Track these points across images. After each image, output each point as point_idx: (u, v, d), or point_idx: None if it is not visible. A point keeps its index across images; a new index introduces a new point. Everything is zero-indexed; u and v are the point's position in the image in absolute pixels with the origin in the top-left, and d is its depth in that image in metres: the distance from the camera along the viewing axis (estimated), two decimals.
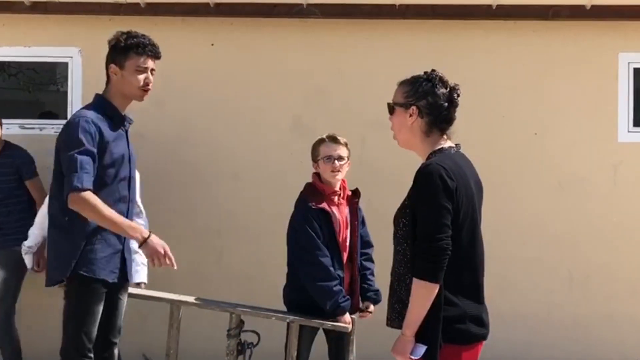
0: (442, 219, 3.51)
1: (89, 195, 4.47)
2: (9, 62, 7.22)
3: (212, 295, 5.72)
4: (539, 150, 7.01)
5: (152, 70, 4.83)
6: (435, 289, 3.50)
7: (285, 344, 5.11)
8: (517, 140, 7.02)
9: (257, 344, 5.16)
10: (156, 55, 4.83)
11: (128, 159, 4.84)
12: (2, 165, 6.44)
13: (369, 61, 6.97)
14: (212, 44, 7.02)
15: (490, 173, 6.67)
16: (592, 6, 6.75)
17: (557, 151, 7.02)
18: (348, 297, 5.07)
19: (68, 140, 4.60)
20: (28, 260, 6.14)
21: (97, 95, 4.85)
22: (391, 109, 3.81)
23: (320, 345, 5.32)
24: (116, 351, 4.97)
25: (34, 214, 6.22)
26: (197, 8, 6.86)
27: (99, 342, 4.74)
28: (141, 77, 4.76)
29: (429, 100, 3.72)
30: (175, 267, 4.67)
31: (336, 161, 5.17)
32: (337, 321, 5.04)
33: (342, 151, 5.21)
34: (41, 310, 6.72)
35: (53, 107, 7.41)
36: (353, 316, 5.11)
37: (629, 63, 6.99)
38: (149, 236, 4.54)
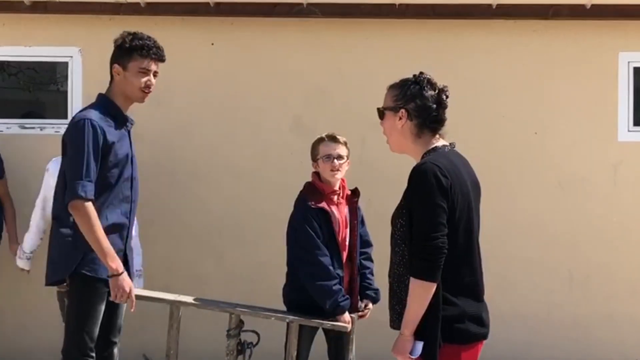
0: (438, 217, 3.52)
1: (90, 208, 4.52)
2: (9, 62, 7.21)
3: (212, 296, 5.72)
4: (539, 150, 7.01)
5: (155, 72, 4.85)
6: (432, 287, 3.51)
7: (285, 343, 5.11)
8: (517, 140, 7.02)
9: (256, 343, 5.16)
10: (160, 59, 4.86)
11: (131, 159, 4.87)
12: None
13: (369, 61, 6.97)
14: (212, 44, 7.02)
15: (490, 172, 6.70)
16: (593, 5, 6.75)
17: (557, 150, 7.02)
18: (347, 296, 5.07)
19: (73, 144, 4.63)
20: (24, 264, 6.11)
21: (100, 94, 4.86)
22: (381, 113, 3.86)
23: (320, 345, 5.32)
24: (116, 351, 4.98)
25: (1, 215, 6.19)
26: (197, 7, 6.86)
27: (99, 341, 4.76)
28: (143, 79, 4.79)
29: (417, 103, 3.74)
30: (133, 310, 4.70)
31: (335, 160, 5.17)
32: (336, 320, 5.04)
33: (342, 150, 5.22)
34: (36, 309, 6.72)
35: (53, 106, 7.39)
36: (352, 315, 5.11)
37: (629, 62, 6.99)
38: (122, 273, 4.57)
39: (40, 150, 6.67)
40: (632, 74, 7.00)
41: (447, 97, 3.79)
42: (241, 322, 5.13)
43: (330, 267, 5.03)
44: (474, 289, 3.68)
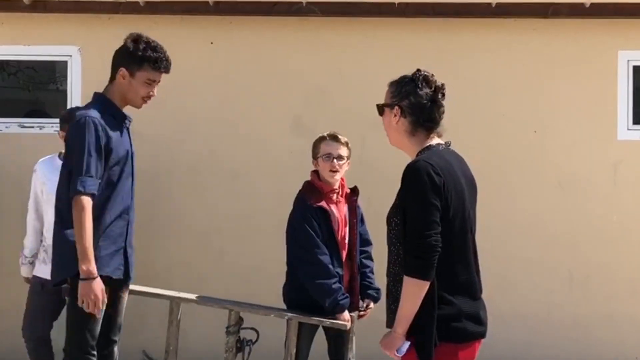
0: (431, 215, 3.51)
1: (86, 202, 4.50)
2: (8, 61, 7.21)
3: (212, 294, 5.71)
4: (539, 149, 7.01)
5: (158, 82, 4.87)
6: (425, 286, 3.50)
7: (285, 341, 5.11)
8: (516, 139, 7.01)
9: (255, 341, 5.17)
10: (167, 71, 4.89)
11: (131, 156, 4.88)
12: None
13: (369, 60, 6.96)
14: (212, 43, 7.02)
15: (490, 172, 6.70)
16: (592, 4, 6.74)
17: (556, 150, 7.01)
18: (347, 294, 5.06)
19: (74, 141, 4.63)
20: (26, 271, 6.10)
21: (97, 93, 4.86)
22: (380, 109, 3.86)
23: (320, 344, 5.31)
24: (116, 349, 4.97)
25: None
26: (197, 6, 6.85)
27: (99, 340, 4.76)
28: (148, 89, 4.81)
29: (411, 100, 3.73)
30: (99, 317, 4.61)
31: (335, 160, 5.16)
32: (336, 319, 5.04)
33: (342, 150, 5.21)
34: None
35: (52, 105, 7.39)
36: (352, 314, 5.11)
37: (628, 61, 6.99)
38: (94, 278, 4.48)
39: (39, 149, 6.66)
40: (631, 73, 7.00)
41: (443, 95, 3.77)
42: (240, 319, 5.13)
43: (330, 266, 5.03)
44: (470, 287, 3.67)
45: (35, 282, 5.81)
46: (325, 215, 5.12)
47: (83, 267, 4.45)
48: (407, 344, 3.55)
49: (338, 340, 5.26)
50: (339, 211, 5.21)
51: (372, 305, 5.28)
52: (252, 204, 6.96)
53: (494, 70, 7.01)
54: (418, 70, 3.80)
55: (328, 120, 6.66)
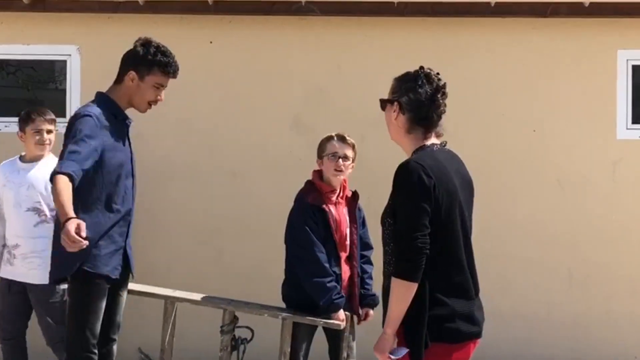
0: (419, 218, 3.49)
1: (61, 179, 4.36)
2: (8, 60, 7.21)
3: (210, 293, 5.70)
4: (538, 148, 7.01)
5: (165, 87, 4.91)
6: (413, 287, 3.48)
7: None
8: (515, 138, 7.01)
9: (250, 339, 5.17)
10: (175, 76, 4.93)
11: (130, 156, 4.89)
12: None
13: (368, 59, 6.96)
14: (211, 42, 7.01)
15: (489, 171, 6.71)
16: (591, 3, 6.74)
17: (556, 149, 7.01)
18: (342, 294, 5.07)
19: (68, 131, 4.66)
20: None
21: (100, 93, 4.86)
22: (382, 104, 3.84)
23: (320, 344, 5.31)
24: (115, 347, 4.98)
25: None
26: (196, 6, 6.85)
27: (98, 338, 4.75)
28: (156, 93, 4.85)
29: (410, 97, 3.70)
30: (84, 245, 4.32)
31: (340, 160, 5.18)
32: (331, 318, 5.04)
33: (349, 151, 5.23)
34: None
35: (51, 104, 7.39)
36: (347, 313, 5.11)
37: (627, 60, 6.99)
38: (69, 219, 4.26)
39: None
40: (630, 72, 7.00)
41: (443, 94, 3.73)
42: (235, 318, 5.13)
43: (326, 264, 5.04)
44: (464, 288, 3.64)
45: (3, 284, 5.79)
46: (323, 214, 5.13)
47: (62, 216, 4.27)
48: (404, 350, 3.54)
49: (337, 340, 5.26)
50: (338, 212, 5.22)
51: (371, 313, 5.28)
52: (251, 203, 6.95)
53: (493, 69, 7.01)
54: (421, 67, 3.76)
55: (327, 119, 6.66)
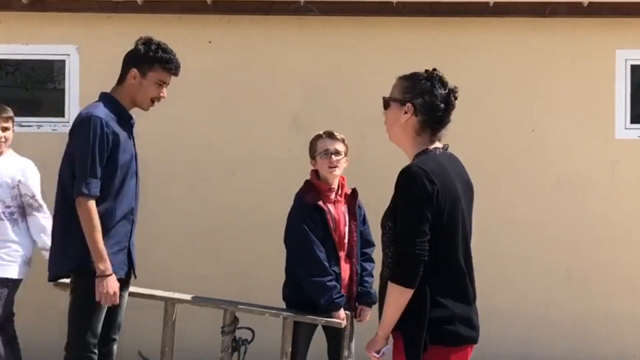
0: (419, 224, 3.45)
1: (91, 205, 4.58)
2: (7, 60, 7.21)
3: (210, 294, 5.71)
4: (537, 148, 7.01)
5: (167, 84, 4.93)
6: (408, 293, 3.45)
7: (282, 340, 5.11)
8: (514, 138, 7.02)
9: (251, 340, 5.16)
10: (176, 74, 4.95)
11: (135, 156, 4.91)
12: None
13: (367, 59, 6.96)
14: (210, 42, 7.01)
15: (488, 170, 6.71)
16: (590, 3, 6.75)
17: (554, 148, 7.02)
18: (342, 293, 5.06)
19: (79, 140, 4.66)
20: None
21: (104, 93, 4.87)
22: (386, 103, 3.74)
23: (320, 343, 5.31)
24: (115, 348, 4.98)
25: None
26: (195, 6, 6.86)
27: (99, 338, 4.76)
28: (158, 90, 4.87)
29: (426, 100, 3.63)
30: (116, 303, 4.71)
31: (333, 156, 5.17)
32: (331, 317, 5.04)
33: (339, 146, 5.22)
34: (40, 308, 6.71)
35: (50, 104, 7.39)
36: (347, 312, 5.10)
37: (626, 60, 6.99)
38: (109, 275, 4.60)
39: (37, 148, 6.65)
40: (629, 72, 7.00)
41: (455, 98, 3.70)
42: (236, 319, 5.13)
43: (326, 263, 5.03)
44: (464, 292, 3.61)
45: None
46: (322, 213, 5.13)
47: (100, 267, 4.56)
48: (387, 347, 3.57)
49: (337, 339, 5.25)
50: (337, 210, 5.21)
51: (367, 311, 5.27)
52: (250, 203, 6.95)
53: (492, 69, 7.01)
54: (434, 69, 3.71)
55: (326, 118, 6.65)
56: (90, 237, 4.56)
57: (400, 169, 3.61)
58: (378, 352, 3.57)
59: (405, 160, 3.74)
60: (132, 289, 5.12)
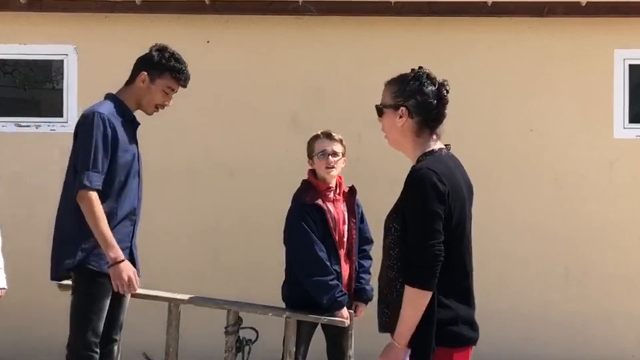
0: (434, 225, 3.42)
1: (94, 197, 4.58)
2: (5, 60, 7.20)
3: (209, 294, 5.70)
4: (535, 147, 7.02)
5: (175, 92, 4.97)
6: (427, 296, 3.42)
7: (284, 340, 5.11)
8: (513, 137, 7.02)
9: (255, 340, 5.15)
10: (185, 85, 4.99)
11: (137, 156, 4.92)
12: None
13: (365, 58, 6.97)
14: (208, 41, 7.01)
15: (486, 170, 6.71)
16: (588, 3, 6.75)
17: (553, 148, 7.03)
18: (345, 291, 5.06)
19: (82, 136, 4.69)
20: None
21: (110, 94, 4.88)
22: (380, 110, 3.68)
23: (319, 343, 5.31)
24: (116, 348, 4.97)
25: None
26: (193, 5, 6.86)
27: (100, 337, 4.76)
28: (164, 98, 4.91)
29: (418, 99, 3.57)
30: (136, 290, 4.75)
31: (330, 157, 5.16)
32: (334, 316, 5.04)
33: (337, 147, 5.21)
34: (40, 308, 6.71)
35: (49, 104, 7.39)
36: (350, 311, 5.10)
37: (624, 59, 7.00)
38: (122, 261, 4.60)
39: (36, 148, 6.66)
40: (627, 71, 7.01)
41: (447, 91, 3.63)
42: (239, 319, 5.12)
43: (327, 263, 5.03)
44: (467, 294, 3.60)
45: None
46: (321, 212, 5.12)
47: (111, 255, 4.57)
48: (407, 353, 3.49)
49: (337, 339, 5.24)
50: (336, 209, 5.21)
51: (363, 308, 5.27)
52: (249, 203, 6.95)
53: (490, 69, 7.02)
54: (420, 67, 3.66)
55: (324, 118, 6.65)
56: (97, 227, 4.56)
57: (399, 169, 3.60)
58: None
59: (404, 160, 3.73)
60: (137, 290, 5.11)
